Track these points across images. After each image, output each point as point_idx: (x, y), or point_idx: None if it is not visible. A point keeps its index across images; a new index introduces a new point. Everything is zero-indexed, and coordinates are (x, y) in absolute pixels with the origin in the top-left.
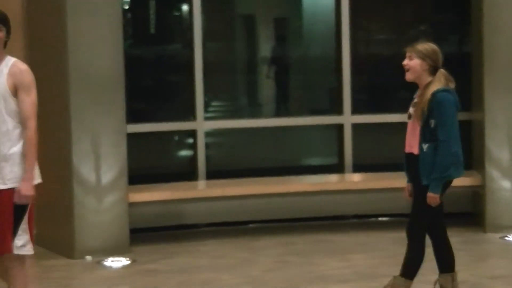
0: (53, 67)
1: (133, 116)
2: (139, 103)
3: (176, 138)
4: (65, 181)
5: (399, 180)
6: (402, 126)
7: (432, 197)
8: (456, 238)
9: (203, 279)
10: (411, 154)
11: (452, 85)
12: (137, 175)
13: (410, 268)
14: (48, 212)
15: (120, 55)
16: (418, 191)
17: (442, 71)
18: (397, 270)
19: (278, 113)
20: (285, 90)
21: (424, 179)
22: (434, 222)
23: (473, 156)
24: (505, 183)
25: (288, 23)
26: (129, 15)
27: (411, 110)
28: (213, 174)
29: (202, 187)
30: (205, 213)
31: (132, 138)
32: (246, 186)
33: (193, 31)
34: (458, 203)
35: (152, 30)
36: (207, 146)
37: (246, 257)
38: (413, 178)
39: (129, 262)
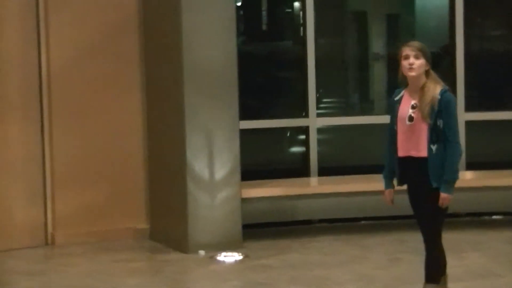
0: (167, 64)
1: (245, 112)
2: (251, 100)
3: (288, 134)
4: (179, 177)
5: None
6: None
7: (447, 198)
8: None
9: (315, 276)
10: (409, 157)
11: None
12: (250, 171)
13: (437, 271)
14: (162, 207)
15: (234, 51)
16: (427, 194)
17: (433, 72)
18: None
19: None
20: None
21: (434, 182)
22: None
23: None
24: None
25: (400, 19)
26: (241, 12)
27: (411, 112)
28: (325, 170)
29: (314, 184)
30: (318, 209)
31: (245, 134)
32: (359, 183)
33: (305, 27)
34: None
35: (264, 27)
36: (319, 142)
37: (357, 254)
38: (419, 182)
39: (241, 257)
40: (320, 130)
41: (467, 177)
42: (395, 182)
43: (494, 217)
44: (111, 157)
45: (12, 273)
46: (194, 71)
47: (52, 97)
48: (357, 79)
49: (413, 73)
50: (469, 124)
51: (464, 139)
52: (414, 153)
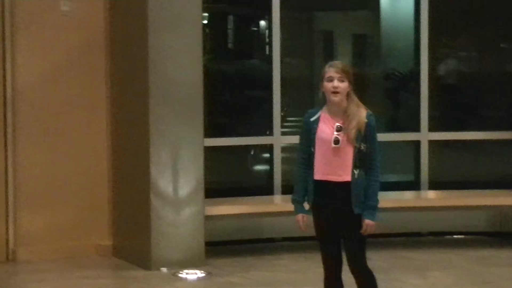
0: (134, 83)
1: (210, 129)
2: (217, 117)
3: (253, 152)
4: (143, 193)
5: (475, 198)
6: (480, 144)
7: (372, 225)
8: None
9: None
10: (327, 182)
11: None
12: (214, 189)
13: None
14: (125, 223)
15: (200, 69)
16: (350, 220)
17: (353, 93)
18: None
19: None
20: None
21: (356, 208)
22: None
23: None
24: None
25: (366, 40)
26: (208, 30)
27: (336, 134)
28: (289, 188)
29: (278, 201)
30: (282, 227)
31: (209, 151)
32: None
33: (271, 46)
34: None
35: (231, 45)
36: (284, 160)
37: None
38: (338, 208)
39: (204, 274)
40: (285, 149)
41: (430, 196)
42: (306, 205)
43: (456, 236)
44: (75, 174)
45: None
46: (161, 88)
47: (17, 116)
48: (323, 98)
49: (337, 98)
50: (432, 144)
51: (427, 159)
52: (334, 178)
